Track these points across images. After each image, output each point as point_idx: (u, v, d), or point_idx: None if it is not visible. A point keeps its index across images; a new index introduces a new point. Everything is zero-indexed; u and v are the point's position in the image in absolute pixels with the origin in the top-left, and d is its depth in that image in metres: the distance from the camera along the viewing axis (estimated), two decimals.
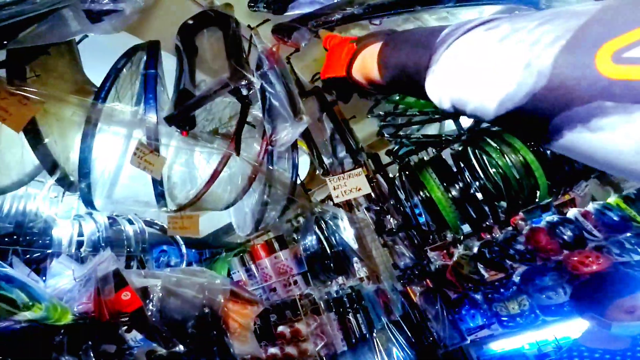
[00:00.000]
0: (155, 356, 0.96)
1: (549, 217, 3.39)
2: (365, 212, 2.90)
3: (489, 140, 2.51)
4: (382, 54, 0.70)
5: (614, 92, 0.33)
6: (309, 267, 1.81)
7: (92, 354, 0.85)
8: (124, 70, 1.31)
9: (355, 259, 2.72)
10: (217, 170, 1.44)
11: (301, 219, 2.71)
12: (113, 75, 1.17)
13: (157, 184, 1.20)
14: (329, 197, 3.00)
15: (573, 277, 3.08)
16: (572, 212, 3.34)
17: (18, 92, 0.86)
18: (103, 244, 2.23)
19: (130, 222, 2.42)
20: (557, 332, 3.12)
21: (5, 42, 0.72)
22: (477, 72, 0.46)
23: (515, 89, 0.40)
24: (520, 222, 3.54)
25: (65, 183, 1.13)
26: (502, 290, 3.34)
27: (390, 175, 2.94)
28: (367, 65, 0.78)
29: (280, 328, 1.39)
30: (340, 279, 2.17)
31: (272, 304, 1.82)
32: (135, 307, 0.98)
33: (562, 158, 2.55)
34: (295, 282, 1.64)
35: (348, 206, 2.96)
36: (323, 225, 2.63)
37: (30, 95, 0.88)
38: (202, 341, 1.08)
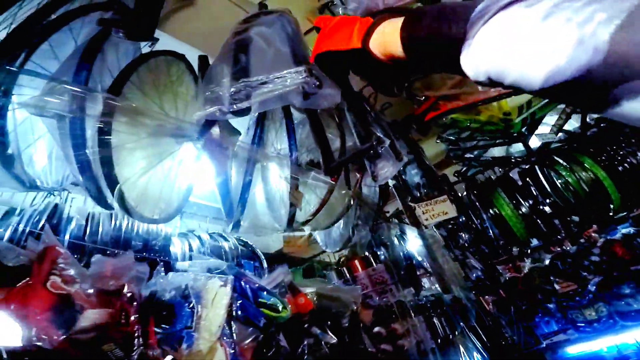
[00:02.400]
0: (329, 345, 1.30)
1: (625, 230, 3.38)
2: (435, 229, 3.13)
3: (557, 159, 2.67)
4: (407, 27, 0.69)
5: None
6: (398, 278, 2.11)
7: (305, 345, 1.20)
8: None
9: (422, 271, 2.96)
10: (325, 199, 1.83)
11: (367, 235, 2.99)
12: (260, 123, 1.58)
13: (294, 212, 1.59)
14: (395, 215, 3.26)
15: None
16: None
17: None
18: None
19: (225, 239, 2.69)
20: (639, 336, 3.11)
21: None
22: (520, 47, 0.49)
23: (565, 64, 0.44)
24: (593, 234, 3.55)
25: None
26: (577, 298, 3.37)
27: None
28: (387, 39, 0.75)
29: (376, 329, 1.68)
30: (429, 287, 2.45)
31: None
32: (310, 308, 1.34)
33: (636, 172, 2.63)
34: (391, 290, 1.94)
35: (417, 223, 3.22)
36: (395, 241, 2.91)
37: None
38: (351, 334, 1.43)
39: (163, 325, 0.94)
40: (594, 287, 3.38)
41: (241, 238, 3.06)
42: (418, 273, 2.96)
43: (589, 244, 3.46)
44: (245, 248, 3.09)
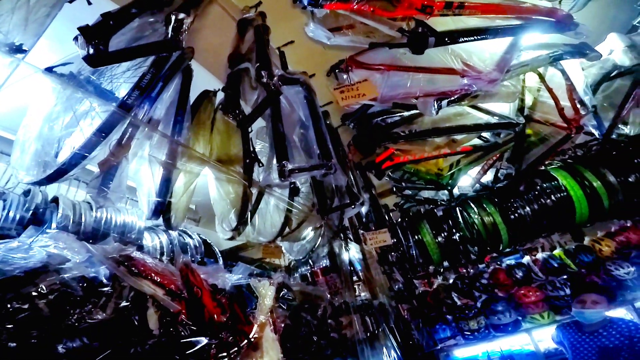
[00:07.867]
0: (313, 324, 1.86)
1: (509, 261, 4.41)
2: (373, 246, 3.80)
3: (471, 203, 3.52)
4: None
5: None
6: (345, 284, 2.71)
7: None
8: None
9: (355, 278, 3.63)
10: (301, 221, 2.36)
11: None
12: None
13: (282, 232, 2.10)
14: (341, 230, 3.88)
15: (518, 305, 4.10)
16: (525, 259, 4.38)
17: None
18: (179, 253, 2.84)
19: (190, 236, 2.93)
20: (503, 344, 4.19)
21: None
22: None
23: None
24: (492, 261, 4.55)
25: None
26: (466, 311, 4.31)
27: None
28: None
29: (328, 321, 2.25)
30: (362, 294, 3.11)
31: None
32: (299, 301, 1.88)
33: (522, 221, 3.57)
34: (341, 293, 2.52)
35: (358, 240, 3.89)
36: (343, 253, 3.54)
37: None
38: (324, 319, 1.99)
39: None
40: (480, 303, 4.36)
41: (201, 236, 3.30)
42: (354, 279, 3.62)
43: (487, 267, 4.44)
44: (205, 245, 3.34)
